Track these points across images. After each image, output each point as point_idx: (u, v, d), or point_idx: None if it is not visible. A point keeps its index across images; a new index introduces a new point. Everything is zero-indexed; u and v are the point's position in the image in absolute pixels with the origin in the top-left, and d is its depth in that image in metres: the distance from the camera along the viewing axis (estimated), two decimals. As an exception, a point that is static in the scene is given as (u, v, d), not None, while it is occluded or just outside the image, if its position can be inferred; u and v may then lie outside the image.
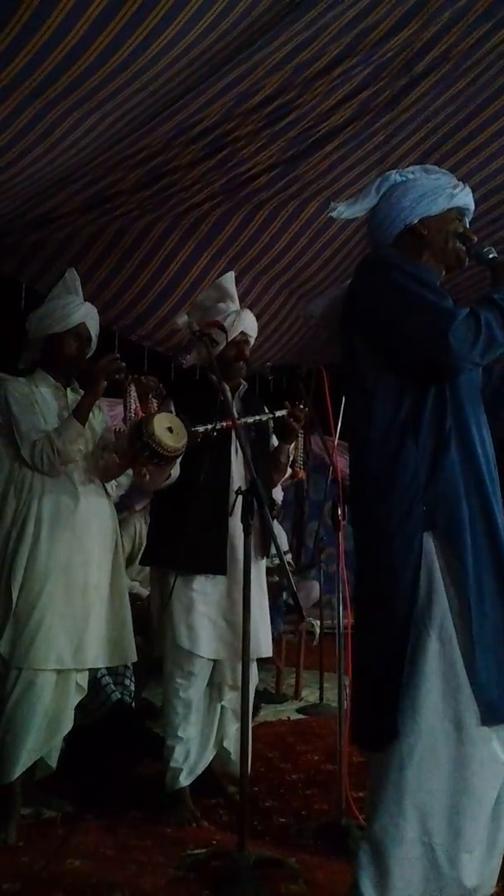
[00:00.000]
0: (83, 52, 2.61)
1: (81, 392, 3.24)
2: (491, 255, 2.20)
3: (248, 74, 3.28)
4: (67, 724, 3.06)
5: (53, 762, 3.09)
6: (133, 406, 3.21)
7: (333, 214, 2.33)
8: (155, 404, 3.22)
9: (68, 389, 3.25)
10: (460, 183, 2.28)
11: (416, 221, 2.21)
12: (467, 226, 2.28)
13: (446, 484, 2.00)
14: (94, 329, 3.27)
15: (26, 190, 3.66)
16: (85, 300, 3.29)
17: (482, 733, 1.90)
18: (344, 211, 2.33)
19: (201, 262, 5.04)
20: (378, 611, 2.01)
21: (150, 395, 3.22)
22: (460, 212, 2.26)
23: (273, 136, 3.84)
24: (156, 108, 3.30)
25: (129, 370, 3.23)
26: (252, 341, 3.39)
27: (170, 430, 2.96)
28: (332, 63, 3.38)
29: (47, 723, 3.00)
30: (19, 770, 2.93)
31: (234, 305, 3.37)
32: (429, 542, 1.98)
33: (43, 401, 3.17)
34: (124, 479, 4.51)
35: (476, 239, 2.25)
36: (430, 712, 1.90)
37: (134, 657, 3.22)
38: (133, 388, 3.22)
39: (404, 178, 2.27)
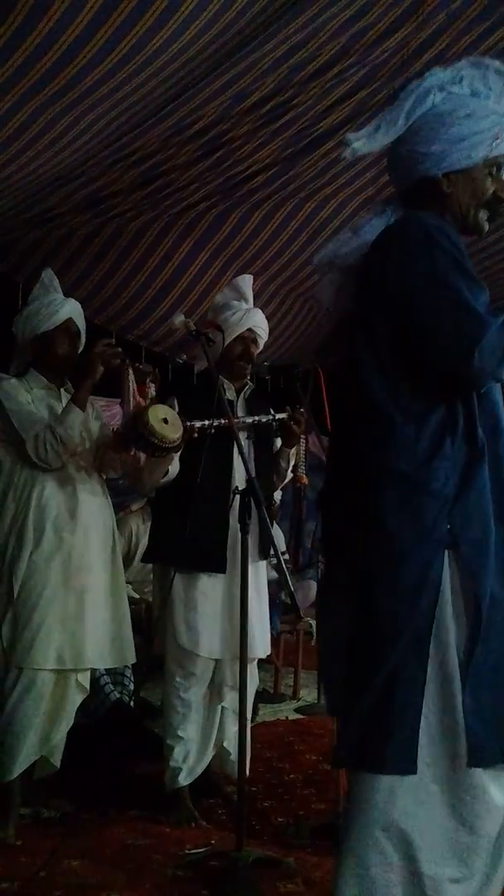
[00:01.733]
0: (79, 52, 2.61)
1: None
2: None
3: (245, 74, 3.28)
4: (67, 724, 3.07)
5: (57, 761, 3.10)
6: (131, 389, 3.20)
7: (348, 154, 1.90)
8: (153, 389, 3.21)
9: (62, 390, 3.25)
10: None
11: (439, 175, 1.84)
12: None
13: (476, 503, 1.73)
14: (80, 324, 3.27)
15: (22, 189, 3.66)
16: (82, 300, 3.30)
17: (476, 772, 1.70)
18: (362, 146, 1.88)
19: (198, 262, 5.03)
20: (384, 629, 1.72)
21: (148, 380, 3.21)
22: (497, 163, 1.86)
23: (270, 135, 3.84)
24: (151, 109, 3.30)
25: (126, 358, 3.23)
26: (261, 342, 3.37)
27: (165, 421, 2.96)
28: (329, 63, 3.39)
29: (47, 722, 3.01)
30: (18, 769, 2.94)
31: (248, 304, 3.37)
32: (446, 563, 1.72)
33: (38, 401, 3.17)
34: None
35: None
36: (427, 742, 1.70)
37: (133, 658, 3.22)
38: (131, 373, 3.21)
39: (441, 102, 1.83)
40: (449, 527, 1.72)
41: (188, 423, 3.03)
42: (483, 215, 1.89)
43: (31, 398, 3.16)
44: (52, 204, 4.09)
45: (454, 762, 1.71)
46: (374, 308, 1.82)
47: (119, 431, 3.17)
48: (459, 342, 1.71)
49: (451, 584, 1.73)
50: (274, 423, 3.34)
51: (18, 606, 2.98)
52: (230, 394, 3.30)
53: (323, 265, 2.04)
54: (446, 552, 1.72)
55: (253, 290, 3.50)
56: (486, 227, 1.92)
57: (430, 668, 1.72)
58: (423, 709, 1.70)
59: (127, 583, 4.76)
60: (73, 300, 3.28)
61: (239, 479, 3.14)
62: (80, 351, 3.26)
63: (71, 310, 3.22)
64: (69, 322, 3.21)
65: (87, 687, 3.15)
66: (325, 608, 1.98)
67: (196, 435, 3.06)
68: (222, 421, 3.04)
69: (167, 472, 3.15)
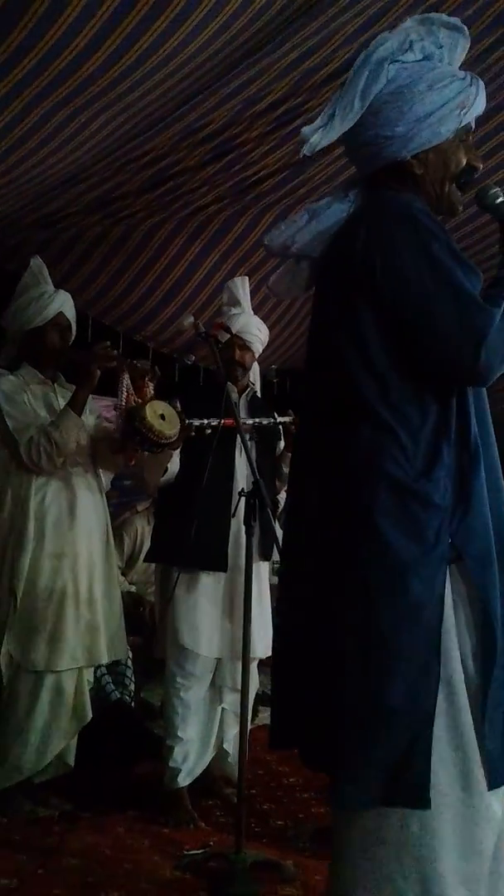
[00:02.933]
0: (93, 54, 2.62)
1: (68, 386, 3.24)
2: (499, 200, 1.72)
3: (256, 79, 3.29)
4: (79, 722, 3.12)
5: (71, 759, 3.14)
6: (125, 394, 3.19)
7: (305, 151, 1.72)
8: (151, 388, 3.21)
9: (55, 385, 3.24)
10: (473, 81, 1.70)
11: (408, 157, 1.69)
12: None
13: (477, 513, 1.62)
14: (71, 315, 3.25)
15: (33, 190, 3.67)
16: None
17: (486, 794, 1.62)
18: (319, 139, 1.70)
19: (207, 265, 5.04)
20: (388, 648, 1.59)
21: (147, 379, 3.21)
22: (466, 130, 1.72)
23: (280, 140, 3.85)
24: (164, 111, 3.31)
25: (122, 356, 3.22)
26: (254, 347, 3.35)
27: (162, 417, 2.97)
28: (341, 69, 3.39)
29: (70, 718, 3.08)
30: (44, 763, 3.03)
31: (237, 309, 3.36)
32: (452, 578, 1.62)
33: (34, 397, 3.16)
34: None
35: (481, 166, 1.74)
36: (439, 769, 1.59)
37: (125, 653, 3.26)
38: (126, 376, 3.20)
39: (397, 75, 1.66)
40: (451, 540, 1.61)
41: (186, 421, 3.04)
42: (457, 192, 1.75)
43: (29, 395, 3.14)
44: (62, 205, 4.10)
45: (466, 788, 1.61)
46: (357, 300, 1.64)
47: (119, 429, 3.17)
48: (464, 336, 1.58)
49: (453, 600, 1.62)
50: (278, 427, 3.35)
51: (26, 608, 2.99)
52: (233, 396, 3.31)
53: (275, 249, 1.88)
54: (452, 566, 1.62)
55: (261, 294, 3.50)
56: (461, 206, 1.78)
57: (440, 689, 1.59)
58: (434, 734, 1.58)
59: (131, 583, 4.79)
60: (63, 292, 3.24)
61: (242, 480, 3.15)
62: (70, 343, 3.24)
63: (61, 303, 3.19)
64: (60, 317, 3.18)
65: (91, 681, 3.19)
66: (288, 624, 1.81)
67: (194, 433, 3.06)
68: (222, 421, 3.03)
69: (166, 470, 3.15)
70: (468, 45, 1.77)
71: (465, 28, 1.75)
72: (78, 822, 2.98)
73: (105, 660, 3.21)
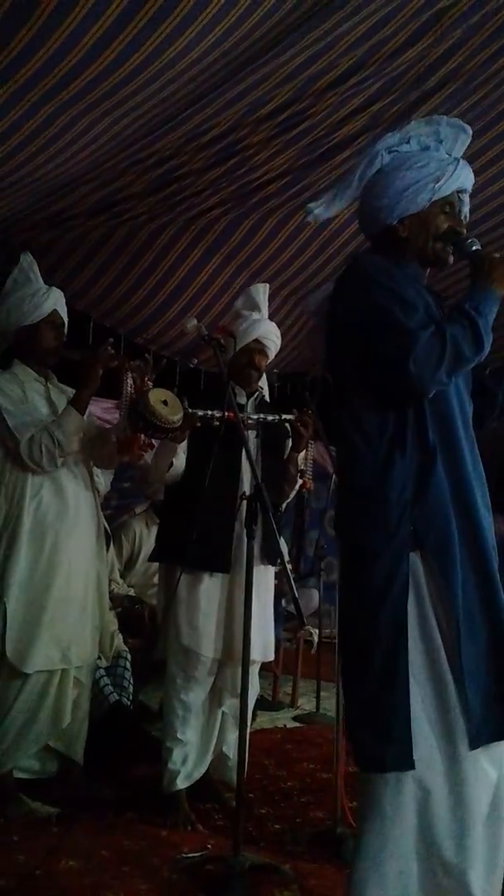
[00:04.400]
0: (98, 56, 2.63)
1: (61, 385, 3.25)
2: (474, 248, 2.06)
3: (261, 83, 3.30)
4: (66, 720, 3.12)
5: (80, 757, 3.19)
6: (129, 392, 3.20)
7: (310, 219, 2.17)
8: (150, 386, 3.23)
9: (49, 383, 3.23)
10: (453, 161, 2.09)
11: (394, 223, 2.09)
12: (465, 206, 2.13)
13: (434, 503, 1.94)
14: (64, 313, 3.24)
15: (37, 191, 3.69)
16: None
17: (472, 754, 1.89)
18: (323, 212, 2.17)
19: (209, 268, 5.06)
20: (365, 631, 1.94)
21: (147, 378, 3.22)
22: (447, 202, 2.09)
23: (284, 144, 3.87)
24: (168, 115, 3.32)
25: (125, 355, 3.23)
26: (270, 353, 3.37)
27: (165, 403, 3.01)
28: (345, 75, 3.40)
29: (50, 719, 3.08)
30: (15, 762, 3.03)
31: (258, 314, 3.37)
32: (416, 563, 1.93)
33: (32, 394, 3.15)
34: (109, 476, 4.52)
35: (465, 233, 2.10)
36: (422, 739, 1.87)
37: (109, 651, 3.35)
38: (130, 375, 3.21)
39: (389, 161, 2.09)
40: (412, 528, 1.93)
41: (189, 410, 3.05)
42: (442, 248, 2.09)
43: (26, 393, 3.13)
44: (66, 205, 4.11)
45: (453, 749, 1.88)
46: (335, 346, 2.08)
47: (124, 419, 3.19)
48: (394, 355, 1.92)
49: (426, 584, 1.92)
50: (285, 426, 3.35)
51: (17, 610, 2.98)
52: (241, 399, 3.32)
53: (311, 311, 2.29)
54: (416, 552, 1.92)
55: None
56: (449, 258, 2.11)
57: (421, 668, 1.90)
58: (416, 704, 1.87)
59: (129, 586, 4.80)
60: (55, 289, 3.22)
61: (247, 482, 3.15)
62: (63, 341, 3.23)
63: (55, 301, 3.18)
64: (54, 314, 3.17)
65: (84, 681, 3.20)
66: None
67: (200, 424, 3.06)
68: (226, 413, 3.04)
69: (171, 464, 3.16)
70: (468, 140, 2.14)
71: (468, 127, 2.14)
72: (76, 823, 2.98)
73: (92, 659, 3.23)
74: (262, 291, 3.44)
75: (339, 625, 2.08)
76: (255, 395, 3.38)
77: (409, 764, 1.86)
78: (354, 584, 1.98)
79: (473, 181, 2.15)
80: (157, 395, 3.01)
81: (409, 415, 1.98)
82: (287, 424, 3.34)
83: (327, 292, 2.20)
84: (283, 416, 3.34)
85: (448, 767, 1.89)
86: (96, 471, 3.40)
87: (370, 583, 1.92)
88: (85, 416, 3.17)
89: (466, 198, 2.16)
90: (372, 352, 1.98)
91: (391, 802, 1.88)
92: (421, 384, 1.93)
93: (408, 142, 2.11)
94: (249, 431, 3.17)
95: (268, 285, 3.53)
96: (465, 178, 2.10)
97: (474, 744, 1.88)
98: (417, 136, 2.12)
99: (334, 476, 3.24)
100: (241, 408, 3.25)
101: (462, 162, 2.10)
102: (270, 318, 3.47)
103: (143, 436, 3.13)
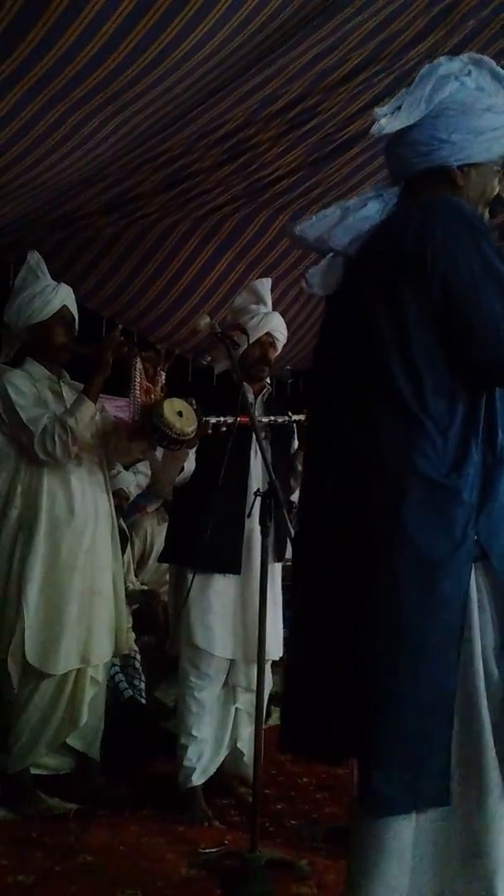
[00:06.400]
0: (109, 55, 2.63)
1: (74, 383, 3.24)
2: None
3: (272, 79, 3.30)
4: (83, 719, 3.13)
5: (97, 754, 3.20)
6: (139, 379, 3.18)
7: (374, 130, 1.77)
8: (163, 377, 3.22)
9: (61, 381, 3.24)
10: None
11: (455, 167, 1.75)
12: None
13: (500, 510, 1.66)
14: (74, 309, 3.24)
15: (49, 190, 3.69)
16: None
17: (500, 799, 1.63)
18: (387, 125, 1.76)
19: (221, 265, 5.05)
20: (414, 646, 1.60)
21: (158, 368, 3.22)
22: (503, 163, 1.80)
23: (295, 140, 3.86)
24: (179, 112, 3.32)
25: (134, 344, 3.23)
26: (279, 346, 3.39)
27: (180, 414, 2.99)
28: (355, 70, 3.40)
29: (66, 717, 3.10)
30: (31, 760, 3.04)
31: (266, 308, 3.38)
32: (477, 575, 1.64)
33: (44, 392, 3.15)
34: (143, 479, 4.54)
35: None
36: (455, 768, 1.60)
37: (125, 649, 3.35)
38: (139, 362, 3.20)
39: (458, 91, 1.75)
40: (476, 538, 1.63)
41: (203, 419, 3.05)
42: (481, 214, 1.81)
43: (39, 389, 3.13)
44: (77, 205, 4.12)
45: (481, 788, 1.62)
46: (404, 296, 1.66)
47: (134, 421, 3.18)
48: (501, 333, 1.62)
49: (478, 598, 1.64)
50: (293, 425, 3.36)
51: (36, 609, 2.99)
52: (249, 396, 3.31)
53: (311, 241, 1.89)
54: (477, 563, 1.64)
55: (276, 294, 3.52)
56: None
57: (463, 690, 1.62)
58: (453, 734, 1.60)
59: (142, 584, 4.81)
60: (64, 285, 3.22)
61: (257, 480, 3.15)
62: (74, 337, 3.24)
63: (64, 296, 3.18)
64: (63, 310, 3.17)
65: (99, 679, 3.21)
66: (303, 623, 1.81)
67: (210, 431, 3.06)
68: (238, 419, 3.04)
69: (182, 468, 3.16)
70: None
71: None
72: (94, 820, 2.99)
73: (109, 657, 3.24)
74: (266, 285, 3.46)
75: (360, 629, 1.64)
76: (263, 392, 3.38)
77: (444, 798, 1.59)
78: (405, 590, 1.60)
79: None
80: (172, 406, 2.98)
81: (480, 405, 1.67)
82: (294, 425, 3.34)
83: (329, 267, 1.90)
84: (294, 417, 3.33)
85: (473, 807, 1.62)
86: (128, 476, 3.42)
87: (430, 594, 1.59)
88: (99, 411, 3.18)
89: None
90: (473, 316, 1.63)
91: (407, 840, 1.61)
92: None
93: (468, 74, 1.79)
94: (261, 433, 3.17)
95: (269, 279, 3.54)
96: None
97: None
98: (476, 72, 1.80)
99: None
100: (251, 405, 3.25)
101: None
102: (282, 314, 3.48)
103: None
